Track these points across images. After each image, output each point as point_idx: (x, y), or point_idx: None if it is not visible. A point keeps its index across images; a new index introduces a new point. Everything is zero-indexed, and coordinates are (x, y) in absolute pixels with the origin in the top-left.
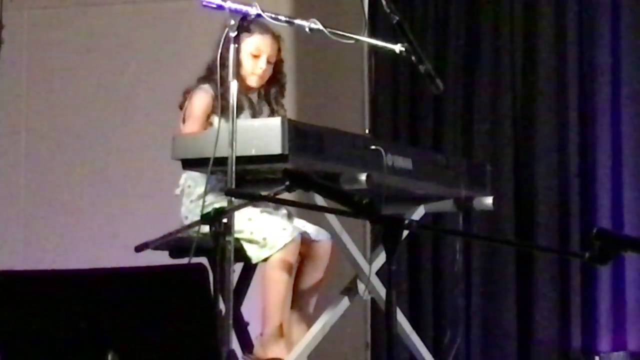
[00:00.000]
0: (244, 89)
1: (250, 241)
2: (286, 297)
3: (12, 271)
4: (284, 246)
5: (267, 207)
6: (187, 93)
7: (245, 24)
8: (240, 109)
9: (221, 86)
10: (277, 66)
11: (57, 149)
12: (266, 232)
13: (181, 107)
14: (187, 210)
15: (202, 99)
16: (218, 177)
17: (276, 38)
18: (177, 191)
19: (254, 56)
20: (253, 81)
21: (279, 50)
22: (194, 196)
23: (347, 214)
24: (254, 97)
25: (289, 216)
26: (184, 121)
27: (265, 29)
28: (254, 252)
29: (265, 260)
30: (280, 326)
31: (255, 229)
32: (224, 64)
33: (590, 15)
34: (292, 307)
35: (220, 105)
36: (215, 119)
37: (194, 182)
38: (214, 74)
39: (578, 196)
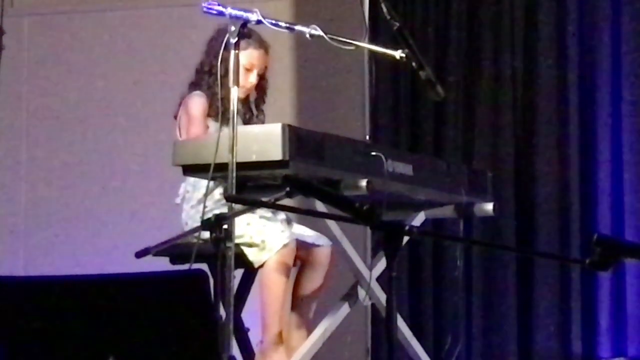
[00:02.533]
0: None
1: (250, 245)
2: (284, 301)
3: (12, 277)
4: (281, 248)
5: (266, 212)
6: (182, 100)
7: (245, 31)
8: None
9: (210, 90)
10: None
11: (58, 155)
12: (264, 235)
13: (176, 117)
14: (187, 216)
15: (198, 102)
16: (216, 183)
17: (268, 51)
18: (177, 200)
19: (246, 69)
20: (241, 92)
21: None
22: (193, 201)
23: (347, 220)
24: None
25: (288, 222)
26: (179, 130)
27: (260, 43)
28: (254, 256)
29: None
30: (280, 333)
31: (254, 233)
32: (210, 70)
33: (591, 17)
34: (292, 313)
35: (217, 110)
36: (211, 123)
37: (192, 188)
38: (203, 78)
39: (578, 202)
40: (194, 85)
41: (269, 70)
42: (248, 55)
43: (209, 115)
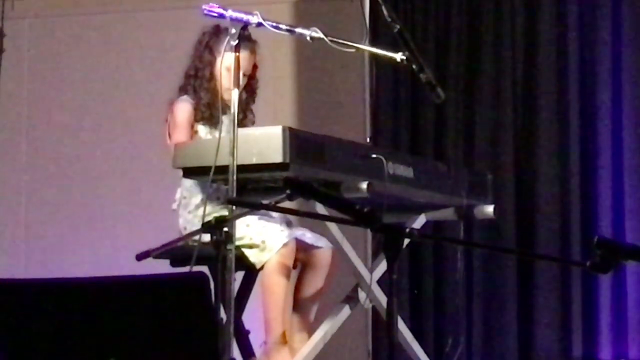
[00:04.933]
0: (220, 101)
1: (250, 246)
2: (286, 302)
3: (13, 280)
4: (281, 248)
5: (265, 214)
6: (171, 104)
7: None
8: (220, 122)
9: (196, 95)
10: (251, 72)
11: (58, 157)
12: (264, 235)
13: (166, 120)
14: (185, 221)
15: (184, 108)
16: (213, 186)
17: (253, 51)
18: (174, 206)
19: (229, 71)
20: (227, 95)
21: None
22: (191, 207)
23: (348, 223)
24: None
25: (288, 224)
26: (169, 134)
27: (244, 45)
28: (255, 257)
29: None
30: (283, 333)
31: (254, 234)
32: (196, 75)
33: (591, 16)
34: (293, 315)
35: (202, 115)
36: (200, 128)
37: (189, 193)
38: (190, 83)
39: (579, 204)
40: (182, 90)
41: (259, 70)
42: (232, 57)
43: (195, 120)
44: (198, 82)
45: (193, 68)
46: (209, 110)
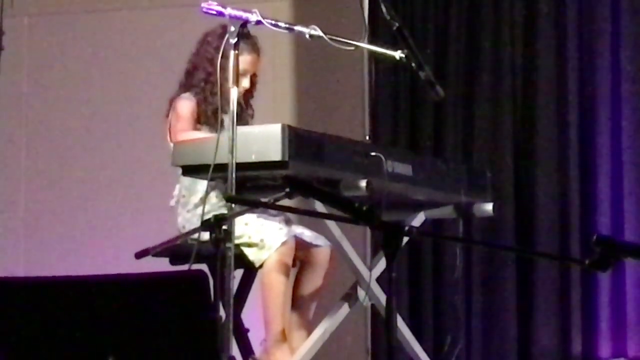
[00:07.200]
0: (223, 102)
1: (249, 245)
2: (285, 299)
3: (12, 278)
4: (280, 246)
5: (264, 212)
6: (171, 101)
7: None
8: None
9: (197, 94)
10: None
11: (58, 156)
12: (263, 234)
13: (167, 116)
14: (184, 219)
15: (186, 104)
16: (212, 184)
17: (259, 54)
18: (172, 202)
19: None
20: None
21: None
22: (190, 205)
23: (347, 221)
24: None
25: (287, 222)
26: (169, 130)
27: (253, 47)
28: (254, 256)
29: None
30: (283, 331)
31: (252, 233)
32: (199, 73)
33: (590, 16)
34: (292, 314)
35: (205, 116)
36: (202, 129)
37: (188, 192)
38: (195, 84)
39: (578, 202)
40: (183, 86)
41: (260, 70)
42: (242, 61)
43: (198, 121)
44: (201, 81)
45: (195, 67)
46: (210, 111)
